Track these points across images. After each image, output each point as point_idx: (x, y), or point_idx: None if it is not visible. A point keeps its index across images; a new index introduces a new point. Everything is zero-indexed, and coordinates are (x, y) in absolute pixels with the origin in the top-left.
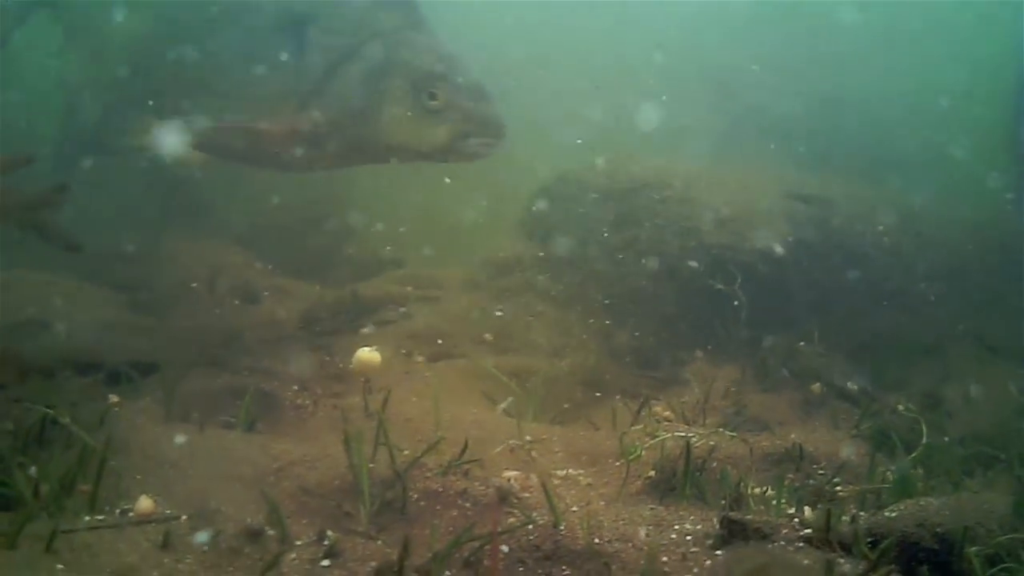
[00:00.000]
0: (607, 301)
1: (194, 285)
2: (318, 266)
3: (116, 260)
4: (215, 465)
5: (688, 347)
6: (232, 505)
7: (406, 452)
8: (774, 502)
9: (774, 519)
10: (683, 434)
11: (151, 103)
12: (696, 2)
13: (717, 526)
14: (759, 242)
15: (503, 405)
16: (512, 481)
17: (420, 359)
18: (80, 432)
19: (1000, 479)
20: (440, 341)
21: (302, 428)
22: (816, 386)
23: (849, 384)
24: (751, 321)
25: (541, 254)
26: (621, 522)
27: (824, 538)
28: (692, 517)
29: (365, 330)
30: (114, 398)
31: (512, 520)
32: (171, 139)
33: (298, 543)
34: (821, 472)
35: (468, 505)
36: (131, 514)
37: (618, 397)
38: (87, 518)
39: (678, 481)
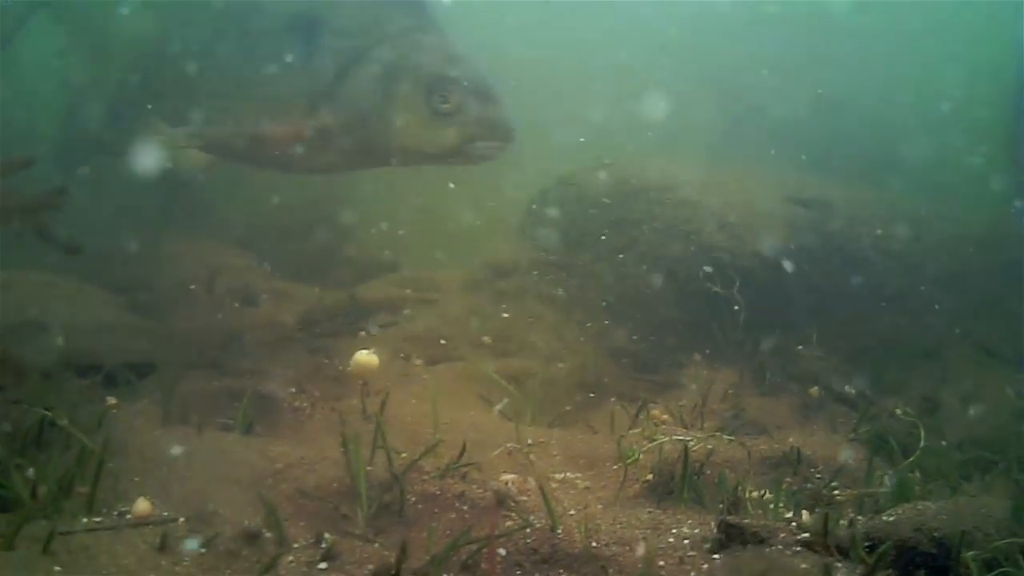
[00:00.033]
0: (606, 304)
1: (192, 287)
2: (317, 268)
3: (115, 261)
4: (213, 467)
5: (686, 350)
6: (230, 507)
7: (404, 455)
8: (772, 506)
9: (772, 523)
10: (681, 437)
11: (156, 104)
12: (697, 3)
13: (715, 530)
14: (758, 246)
15: (499, 407)
16: (510, 484)
17: (418, 362)
18: (78, 434)
19: (998, 483)
20: (439, 344)
21: (300, 430)
22: (814, 390)
23: (847, 388)
24: (749, 324)
25: (540, 257)
26: (619, 526)
27: (822, 542)
28: (690, 521)
29: (363, 333)
30: (112, 400)
31: (510, 523)
32: (177, 142)
33: (295, 546)
34: (819, 476)
35: (466, 508)
36: (129, 516)
37: (614, 400)
38: (85, 520)
39: (676, 485)
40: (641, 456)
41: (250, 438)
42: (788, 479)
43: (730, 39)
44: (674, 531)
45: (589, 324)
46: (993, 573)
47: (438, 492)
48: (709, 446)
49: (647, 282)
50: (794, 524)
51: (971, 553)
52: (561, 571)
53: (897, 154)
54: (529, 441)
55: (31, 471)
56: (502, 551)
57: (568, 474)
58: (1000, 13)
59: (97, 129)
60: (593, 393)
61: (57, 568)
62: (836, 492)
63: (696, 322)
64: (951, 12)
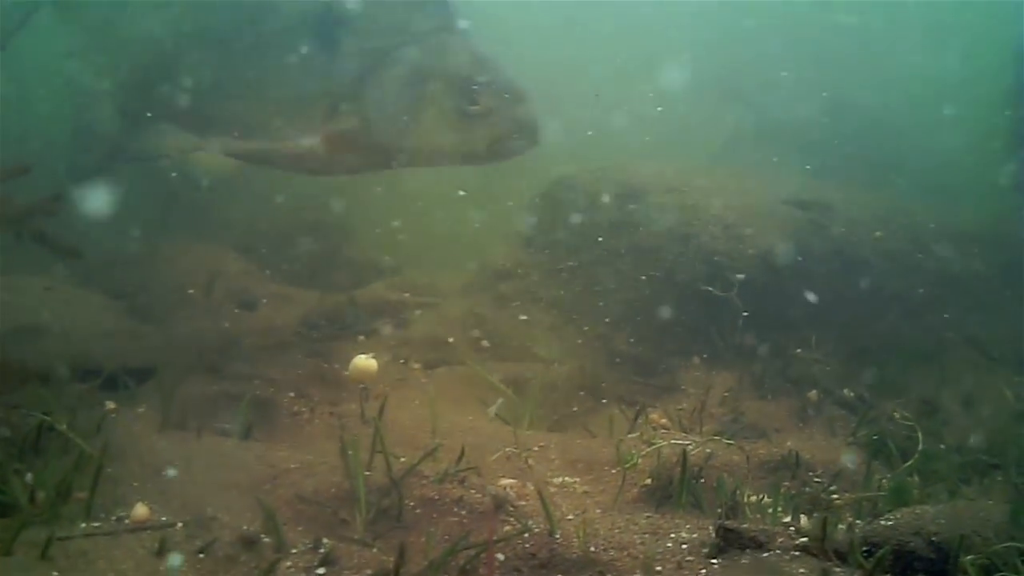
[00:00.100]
0: (604, 307)
1: (191, 291)
2: (316, 272)
3: (114, 265)
4: (211, 472)
5: (685, 354)
6: (228, 512)
7: (403, 459)
8: (770, 510)
9: (770, 527)
10: (680, 442)
11: (172, 108)
12: (698, 3)
13: (713, 535)
14: (757, 248)
15: (493, 408)
16: (508, 489)
17: (417, 366)
18: (77, 439)
19: (997, 486)
20: (437, 348)
21: (299, 435)
22: (813, 393)
23: (846, 391)
24: (748, 327)
25: (539, 260)
26: (617, 530)
27: (820, 547)
28: (688, 525)
29: (362, 337)
30: (111, 405)
31: (508, 528)
32: (212, 154)
33: (294, 551)
34: (817, 480)
35: (464, 513)
36: (127, 521)
37: (607, 402)
38: (83, 525)
39: (674, 489)
40: (640, 460)
41: (249, 443)
42: (787, 483)
43: (731, 39)
44: (672, 536)
45: (588, 328)
46: None
47: (436, 497)
48: (708, 450)
49: (646, 285)
50: (792, 528)
51: (969, 557)
52: None
53: (897, 155)
54: (527, 445)
55: (29, 476)
56: (500, 556)
57: (566, 478)
58: (1000, 13)
59: (110, 136)
60: (592, 397)
61: (55, 573)
62: (835, 496)
63: (695, 325)
64: (951, 12)
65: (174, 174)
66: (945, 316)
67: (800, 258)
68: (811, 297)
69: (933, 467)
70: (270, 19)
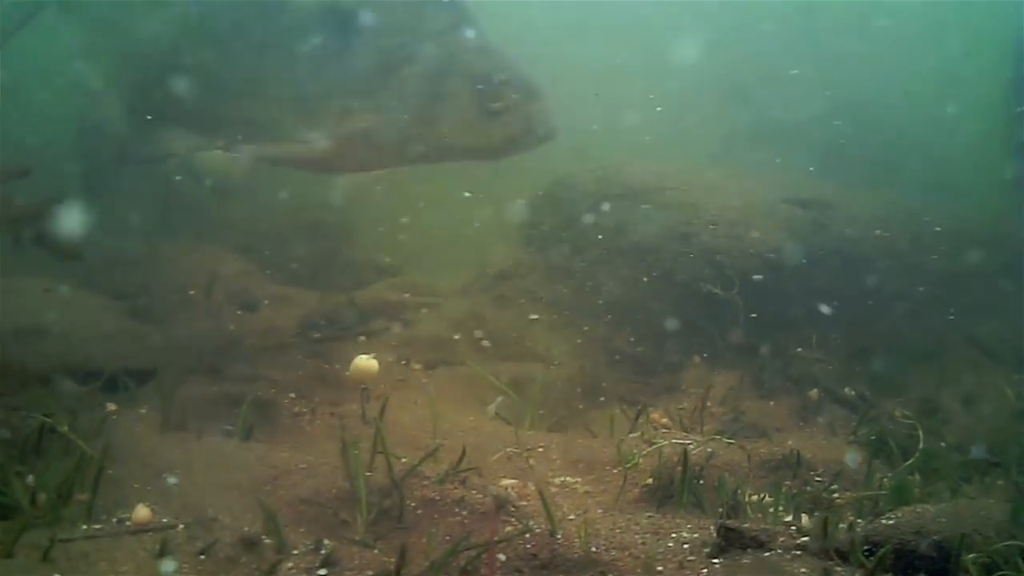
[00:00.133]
0: (605, 306)
1: (192, 292)
2: (316, 272)
3: (114, 266)
4: (212, 473)
5: (685, 353)
6: (229, 514)
7: (404, 460)
8: (771, 509)
9: (771, 527)
10: (681, 441)
11: (182, 109)
12: (699, 3)
13: (714, 534)
14: (757, 247)
15: (492, 407)
16: (509, 489)
17: (418, 366)
18: (78, 440)
19: (998, 485)
20: (438, 348)
21: (300, 436)
22: (814, 392)
23: (847, 390)
24: (748, 326)
25: (539, 260)
26: (618, 530)
27: (821, 546)
28: (689, 525)
29: (363, 337)
30: (112, 406)
31: (509, 528)
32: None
33: (295, 552)
34: (819, 479)
35: (465, 513)
36: (128, 523)
37: (608, 401)
38: (84, 527)
39: (676, 489)
40: (641, 460)
41: (250, 444)
42: (788, 482)
43: (731, 38)
44: (674, 535)
45: (588, 327)
46: None
47: (438, 497)
48: (709, 449)
49: (646, 284)
50: (794, 528)
51: (971, 556)
52: None
53: (897, 153)
54: (528, 446)
55: (31, 478)
56: (502, 556)
57: (568, 478)
58: (1000, 10)
59: (119, 136)
60: (592, 397)
61: (56, 575)
62: (836, 495)
63: (695, 324)
64: (951, 10)
65: (178, 177)
66: (946, 315)
67: (800, 257)
68: (813, 298)
69: (934, 466)
70: (282, 17)
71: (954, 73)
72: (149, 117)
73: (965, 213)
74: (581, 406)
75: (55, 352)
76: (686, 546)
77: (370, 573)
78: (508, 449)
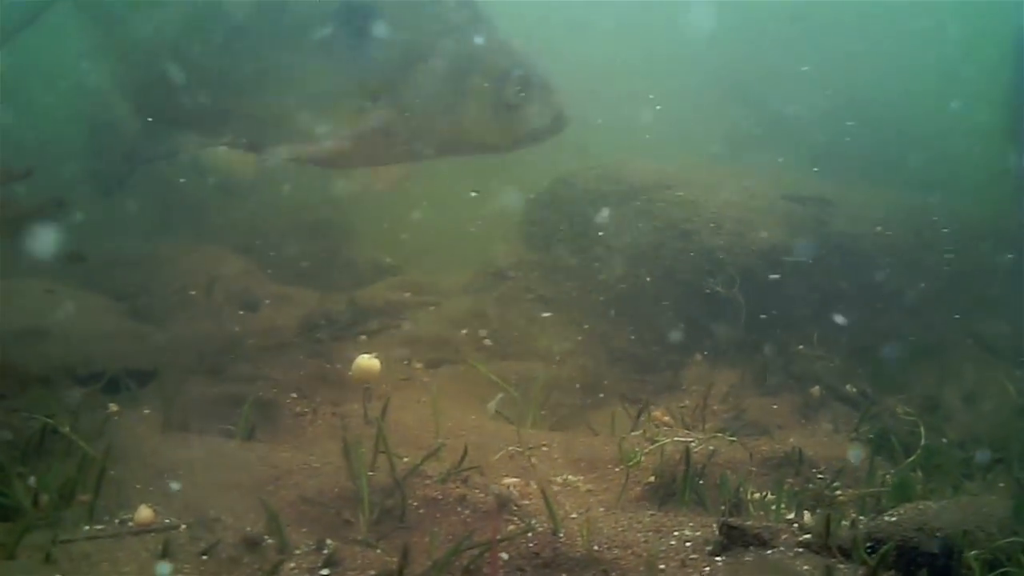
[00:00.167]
0: (606, 304)
1: (193, 292)
2: (317, 272)
3: (115, 267)
4: (214, 474)
5: (687, 350)
6: (231, 514)
7: (406, 459)
8: (773, 507)
9: (773, 524)
10: (683, 439)
11: (194, 107)
12: (699, 3)
13: (716, 532)
14: (758, 245)
15: (492, 404)
16: (511, 488)
17: (419, 365)
18: (80, 441)
19: (1000, 481)
20: (439, 347)
21: (301, 436)
22: (815, 389)
23: (848, 387)
24: (750, 324)
25: (540, 258)
26: (620, 529)
27: (823, 543)
28: (691, 523)
29: (364, 337)
30: (113, 407)
31: (511, 527)
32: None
33: (297, 552)
34: (820, 476)
35: (467, 512)
36: (130, 523)
37: (609, 400)
38: (86, 528)
39: (678, 487)
40: (642, 458)
41: (251, 444)
42: (790, 480)
43: (731, 37)
44: (676, 533)
45: (589, 325)
46: (995, 573)
47: (440, 496)
48: (711, 447)
49: (647, 282)
50: (796, 525)
51: (973, 553)
52: (563, 575)
53: (898, 150)
54: (530, 444)
55: (33, 479)
56: (504, 555)
57: (570, 477)
58: (1000, 8)
59: (130, 136)
60: (594, 395)
61: None
62: (838, 492)
63: (696, 322)
64: (952, 7)
65: (182, 180)
66: (947, 311)
67: (801, 254)
68: (814, 295)
69: (936, 462)
70: (297, 13)
71: (954, 71)
72: (162, 115)
73: (966, 210)
74: (583, 404)
75: (56, 353)
76: (688, 544)
77: (373, 573)
78: (510, 448)
